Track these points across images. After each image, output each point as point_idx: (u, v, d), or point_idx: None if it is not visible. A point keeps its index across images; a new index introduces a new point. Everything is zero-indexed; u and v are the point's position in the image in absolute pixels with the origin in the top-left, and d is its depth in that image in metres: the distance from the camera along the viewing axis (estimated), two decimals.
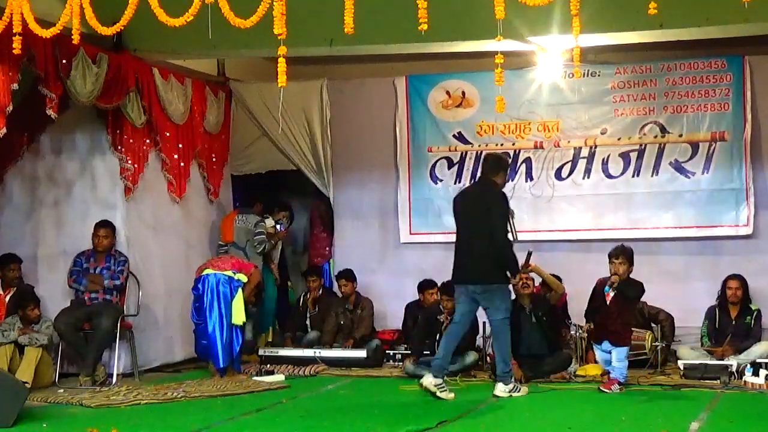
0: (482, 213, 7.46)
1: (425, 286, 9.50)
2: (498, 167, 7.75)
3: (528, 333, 8.36)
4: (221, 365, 8.58)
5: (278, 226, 10.43)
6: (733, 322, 8.64)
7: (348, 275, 9.81)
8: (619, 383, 7.63)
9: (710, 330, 8.72)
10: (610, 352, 7.83)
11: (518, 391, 7.48)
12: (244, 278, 8.84)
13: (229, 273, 8.74)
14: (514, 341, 8.37)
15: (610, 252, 7.91)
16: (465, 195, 7.84)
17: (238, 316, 8.67)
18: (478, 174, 8.22)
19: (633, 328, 8.83)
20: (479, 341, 8.97)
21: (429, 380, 7.34)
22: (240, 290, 8.72)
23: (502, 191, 7.68)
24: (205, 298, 8.67)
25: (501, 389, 7.44)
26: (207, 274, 8.73)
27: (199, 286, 8.74)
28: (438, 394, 7.26)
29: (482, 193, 7.62)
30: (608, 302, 7.83)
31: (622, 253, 7.84)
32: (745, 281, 8.73)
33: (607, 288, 7.85)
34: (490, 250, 7.38)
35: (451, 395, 7.31)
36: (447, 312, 8.66)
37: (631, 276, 7.90)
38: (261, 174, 10.87)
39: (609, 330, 7.82)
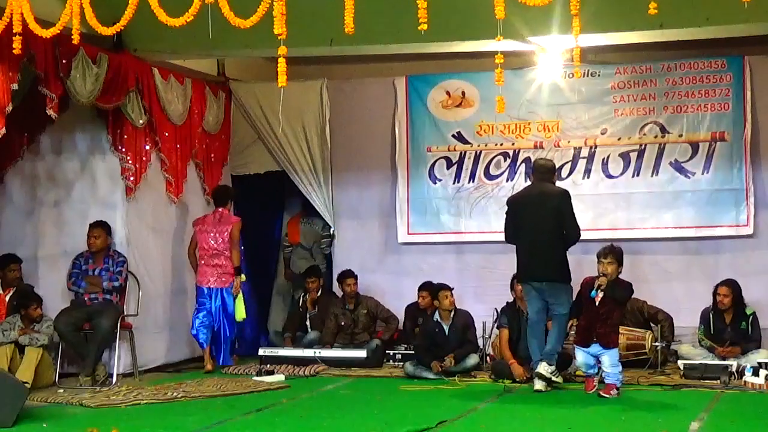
0: (551, 213, 7.77)
1: (420, 287, 9.55)
2: (553, 172, 8.24)
3: (527, 337, 8.40)
4: (221, 363, 9.23)
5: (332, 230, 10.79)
6: (728, 328, 8.61)
7: (353, 275, 9.84)
8: (617, 388, 7.40)
9: (707, 335, 8.69)
10: (596, 356, 7.50)
11: (557, 377, 7.68)
12: (242, 278, 9.33)
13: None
14: (515, 343, 8.42)
15: (598, 252, 7.64)
16: (528, 197, 8.00)
17: (240, 313, 9.27)
18: (531, 178, 8.40)
19: (634, 328, 8.86)
20: (479, 341, 8.97)
21: (545, 367, 7.63)
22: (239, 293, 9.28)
23: (567, 191, 8.01)
24: (209, 303, 9.27)
25: (545, 368, 7.64)
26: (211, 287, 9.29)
27: (204, 291, 9.26)
28: (553, 379, 7.66)
29: (551, 195, 7.92)
30: (597, 304, 7.49)
31: (611, 252, 7.56)
32: (735, 287, 8.64)
33: (593, 292, 7.47)
34: (558, 249, 7.78)
35: (561, 379, 7.76)
36: (446, 312, 8.67)
37: (623, 277, 7.76)
38: (260, 174, 10.86)
39: (597, 332, 7.47)
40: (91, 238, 8.54)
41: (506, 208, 8.27)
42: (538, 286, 7.83)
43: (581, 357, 7.57)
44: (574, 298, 7.85)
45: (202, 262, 9.28)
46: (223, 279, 9.24)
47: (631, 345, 8.71)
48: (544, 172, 8.08)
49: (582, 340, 7.61)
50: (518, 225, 7.95)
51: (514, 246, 8.07)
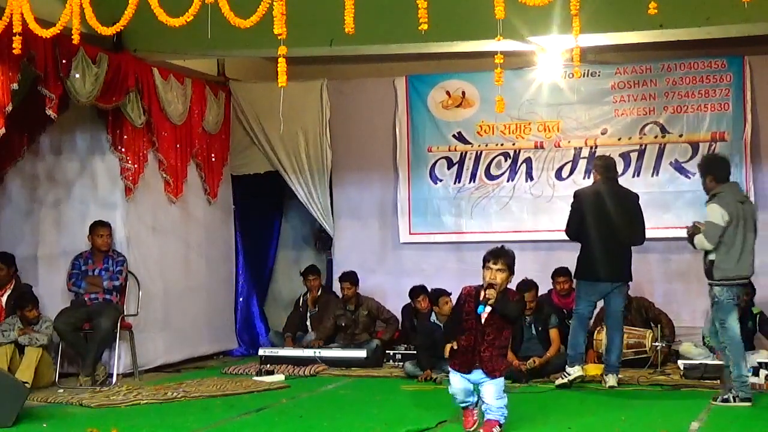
0: (624, 214, 7.85)
1: (416, 292, 9.49)
2: (617, 171, 8.30)
3: (527, 340, 8.55)
4: None
5: None
6: None
7: (352, 278, 9.80)
8: (500, 425, 5.87)
9: (711, 332, 8.67)
10: (477, 384, 5.94)
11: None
12: None
13: None
14: (517, 347, 8.44)
15: (486, 254, 6.00)
16: (602, 195, 7.91)
17: None
18: (597, 175, 8.14)
19: (634, 328, 8.84)
20: None
21: (613, 378, 7.77)
22: None
23: (638, 195, 8.12)
24: None
25: (614, 379, 7.74)
26: None
27: None
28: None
29: (627, 197, 8.00)
30: (482, 320, 5.83)
31: (503, 256, 5.91)
32: (753, 287, 8.59)
33: (481, 307, 5.81)
34: (629, 251, 7.89)
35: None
36: (444, 316, 8.66)
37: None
38: (260, 174, 10.85)
39: (481, 356, 5.82)
40: (101, 236, 8.55)
41: (571, 201, 8.13)
42: (604, 287, 7.82)
43: (459, 384, 5.93)
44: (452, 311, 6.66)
45: None
46: None
47: (632, 344, 8.70)
48: (613, 170, 8.10)
49: (462, 364, 5.91)
50: (589, 223, 7.86)
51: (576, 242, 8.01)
